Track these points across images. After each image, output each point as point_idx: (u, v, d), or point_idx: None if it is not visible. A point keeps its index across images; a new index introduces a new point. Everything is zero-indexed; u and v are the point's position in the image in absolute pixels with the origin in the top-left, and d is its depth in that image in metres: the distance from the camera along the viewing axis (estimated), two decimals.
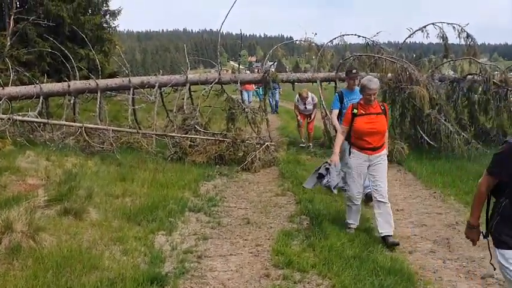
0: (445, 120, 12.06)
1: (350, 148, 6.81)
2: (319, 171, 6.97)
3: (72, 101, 13.76)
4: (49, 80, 15.83)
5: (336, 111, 8.96)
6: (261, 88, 18.22)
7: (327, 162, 6.99)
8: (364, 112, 6.65)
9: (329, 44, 14.83)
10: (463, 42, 13.94)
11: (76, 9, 21.33)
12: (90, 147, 11.68)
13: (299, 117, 15.11)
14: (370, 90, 6.52)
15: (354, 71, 9.24)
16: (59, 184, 8.00)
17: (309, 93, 14.93)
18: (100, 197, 7.94)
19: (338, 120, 8.63)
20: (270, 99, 24.87)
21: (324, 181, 6.85)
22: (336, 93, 9.53)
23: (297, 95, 15.25)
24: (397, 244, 6.40)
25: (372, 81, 6.57)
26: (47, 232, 6.15)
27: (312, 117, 14.99)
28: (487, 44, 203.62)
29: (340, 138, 6.91)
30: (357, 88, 8.31)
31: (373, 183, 6.73)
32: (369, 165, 6.69)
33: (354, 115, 6.67)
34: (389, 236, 6.51)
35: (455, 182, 9.56)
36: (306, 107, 14.84)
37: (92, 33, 21.93)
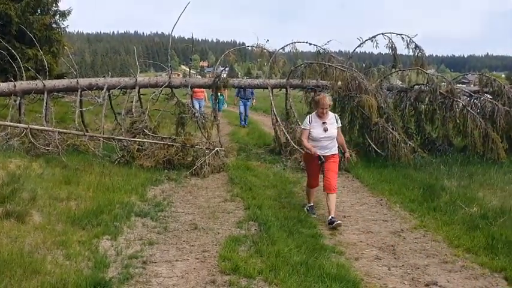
0: (393, 129, 12.28)
1: None
2: None
3: (17, 102, 13.44)
4: None
5: None
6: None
7: None
8: None
9: (281, 50, 14.81)
10: (411, 53, 14.21)
11: (24, 8, 20.79)
12: (36, 149, 11.38)
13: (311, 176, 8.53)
14: None
15: None
16: (1, 186, 7.75)
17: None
18: (44, 200, 7.73)
19: None
20: (241, 108, 22.35)
21: None
22: None
23: (309, 116, 8.29)
24: None
25: None
26: None
27: (335, 159, 8.27)
28: (434, 55, 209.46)
29: None
30: None
31: None
32: None
33: None
34: None
35: (401, 190, 9.70)
36: (326, 129, 8.02)
37: (41, 34, 21.38)
